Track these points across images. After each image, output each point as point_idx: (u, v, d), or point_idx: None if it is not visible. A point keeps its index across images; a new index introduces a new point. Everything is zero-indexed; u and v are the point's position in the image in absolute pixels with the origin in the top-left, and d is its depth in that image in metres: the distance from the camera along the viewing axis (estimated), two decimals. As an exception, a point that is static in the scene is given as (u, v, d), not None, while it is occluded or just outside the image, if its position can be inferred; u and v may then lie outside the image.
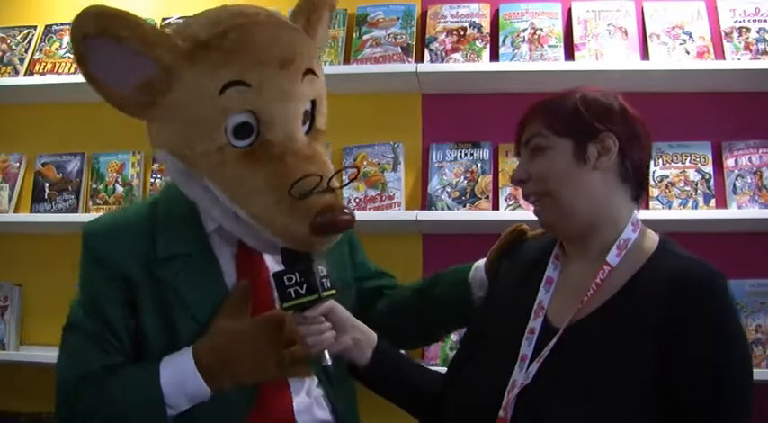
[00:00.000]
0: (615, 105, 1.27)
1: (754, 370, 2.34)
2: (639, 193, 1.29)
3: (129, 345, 1.34)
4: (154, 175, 2.65)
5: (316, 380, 1.41)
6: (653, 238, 1.27)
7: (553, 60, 2.46)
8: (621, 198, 1.26)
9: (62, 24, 2.78)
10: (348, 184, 1.36)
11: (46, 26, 2.79)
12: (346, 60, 2.59)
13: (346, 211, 1.27)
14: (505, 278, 1.40)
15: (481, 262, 1.52)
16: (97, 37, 1.23)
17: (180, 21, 2.65)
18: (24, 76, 2.70)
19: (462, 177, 2.49)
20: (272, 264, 1.42)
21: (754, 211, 2.35)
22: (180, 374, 1.28)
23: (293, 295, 1.27)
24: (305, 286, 1.27)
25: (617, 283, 1.21)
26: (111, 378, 1.29)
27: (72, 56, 1.28)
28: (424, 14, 2.63)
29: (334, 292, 1.31)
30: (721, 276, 1.17)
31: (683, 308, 1.13)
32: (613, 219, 1.25)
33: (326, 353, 1.29)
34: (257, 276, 1.40)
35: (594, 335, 1.18)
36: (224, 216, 1.33)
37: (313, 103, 1.36)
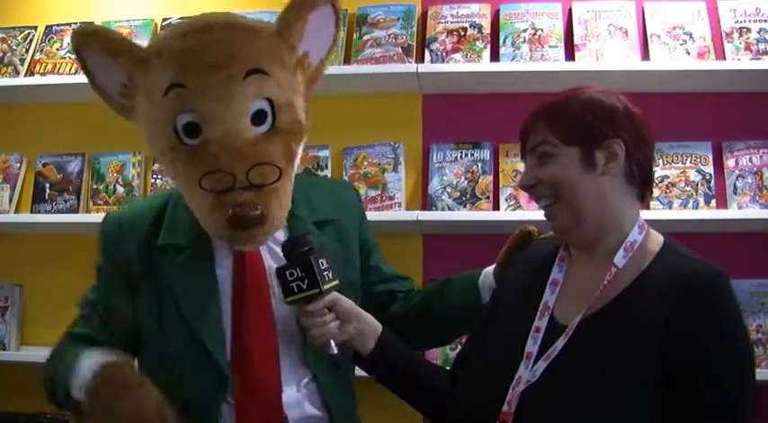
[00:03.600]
0: (620, 107, 1.27)
1: (756, 370, 2.35)
2: (645, 193, 1.30)
3: (125, 325, 1.44)
4: (154, 176, 2.65)
5: (310, 375, 1.42)
6: (657, 239, 1.28)
7: (553, 60, 2.46)
8: (628, 199, 1.27)
9: (62, 24, 2.78)
10: (275, 181, 1.38)
11: (46, 26, 2.79)
12: (347, 61, 2.59)
13: (258, 209, 1.33)
14: (512, 279, 1.41)
15: (491, 268, 1.55)
16: (84, 52, 1.43)
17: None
18: (25, 76, 2.69)
19: (463, 178, 2.49)
20: (270, 260, 1.44)
21: (754, 212, 2.35)
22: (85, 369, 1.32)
23: (296, 290, 1.31)
24: (306, 281, 1.30)
25: (622, 282, 1.22)
26: (71, 347, 1.43)
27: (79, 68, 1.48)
28: (424, 15, 2.63)
29: (336, 283, 1.35)
30: (726, 276, 1.18)
31: (689, 308, 1.14)
32: (620, 221, 1.26)
33: (332, 342, 1.33)
34: (253, 272, 1.43)
35: (600, 333, 1.19)
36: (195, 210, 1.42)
37: (270, 102, 1.40)
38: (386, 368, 1.40)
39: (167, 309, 1.40)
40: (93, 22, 2.76)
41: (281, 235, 1.46)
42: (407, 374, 1.41)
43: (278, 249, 1.41)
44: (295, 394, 1.41)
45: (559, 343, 1.20)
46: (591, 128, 1.24)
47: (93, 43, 1.42)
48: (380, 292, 1.62)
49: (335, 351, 1.33)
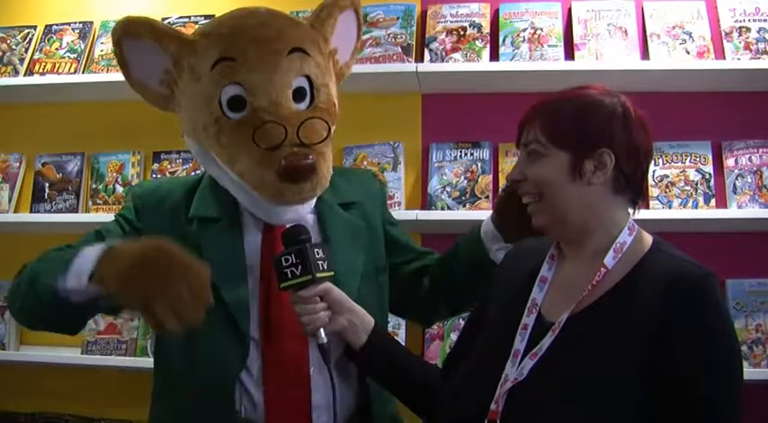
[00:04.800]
0: (618, 112, 1.25)
1: (755, 370, 2.35)
2: (638, 199, 1.29)
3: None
4: (154, 175, 2.64)
5: (335, 358, 1.41)
6: (647, 240, 1.27)
7: (553, 60, 2.46)
8: (616, 206, 1.26)
9: (62, 24, 2.78)
10: (323, 141, 1.42)
11: (46, 26, 2.79)
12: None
13: (310, 158, 1.39)
14: (503, 277, 1.41)
15: (488, 218, 1.57)
16: (122, 40, 1.47)
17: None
18: (24, 76, 2.69)
19: (462, 177, 2.49)
20: None
21: (754, 211, 2.35)
22: (91, 252, 1.26)
23: (289, 276, 1.34)
24: (300, 267, 1.33)
25: (610, 281, 1.22)
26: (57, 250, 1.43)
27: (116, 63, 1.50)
28: (423, 14, 2.63)
29: (331, 273, 1.37)
30: (714, 276, 1.19)
31: (678, 307, 1.14)
32: (608, 224, 1.26)
33: (321, 331, 1.35)
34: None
35: (587, 331, 1.19)
36: (233, 186, 1.47)
37: (310, 80, 1.48)
38: (378, 363, 1.41)
39: None
40: (92, 22, 2.77)
41: (310, 218, 1.51)
42: (399, 370, 1.42)
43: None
44: (318, 377, 1.41)
45: (546, 340, 1.20)
46: (584, 136, 1.23)
47: (140, 29, 1.47)
48: (414, 270, 1.65)
49: (325, 340, 1.35)
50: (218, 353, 1.39)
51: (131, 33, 1.47)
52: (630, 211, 1.29)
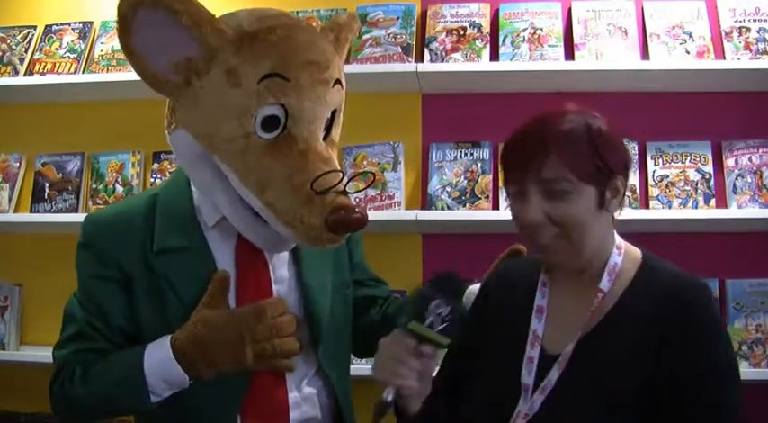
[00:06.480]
0: (619, 140, 1.25)
1: (755, 370, 2.35)
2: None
3: (120, 331, 1.39)
4: (154, 175, 2.64)
5: (307, 377, 1.42)
6: (634, 256, 1.27)
7: (553, 60, 2.46)
8: (609, 226, 1.26)
9: (62, 24, 2.77)
10: (367, 187, 1.39)
11: (46, 26, 2.79)
12: (346, 60, 2.56)
13: (359, 211, 1.30)
14: (493, 307, 1.36)
15: (476, 287, 1.49)
16: (150, 7, 1.25)
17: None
18: (24, 76, 2.69)
19: (462, 177, 2.49)
20: (271, 257, 1.44)
21: (754, 211, 2.35)
22: (159, 361, 1.32)
23: (426, 323, 1.17)
24: (444, 325, 1.17)
25: (606, 304, 1.22)
26: (99, 363, 1.35)
27: (116, 25, 1.29)
28: (423, 14, 2.63)
29: (448, 343, 1.22)
30: (708, 287, 1.21)
31: (677, 322, 1.15)
32: (605, 247, 1.25)
33: (393, 390, 1.19)
34: (257, 270, 1.42)
35: (591, 360, 1.19)
36: (231, 205, 1.35)
37: (333, 113, 1.40)
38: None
39: (172, 307, 1.37)
40: (92, 22, 2.77)
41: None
42: None
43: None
44: (296, 395, 1.41)
45: (553, 374, 1.20)
46: (604, 168, 1.20)
47: (175, 4, 1.26)
48: (362, 297, 1.61)
49: (390, 399, 1.19)
50: (214, 386, 1.36)
51: (163, 4, 1.26)
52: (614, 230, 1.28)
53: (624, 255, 1.25)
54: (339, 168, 1.35)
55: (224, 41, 1.30)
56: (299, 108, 1.31)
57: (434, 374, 1.27)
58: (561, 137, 1.20)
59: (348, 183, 1.32)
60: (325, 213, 1.26)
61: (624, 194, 1.25)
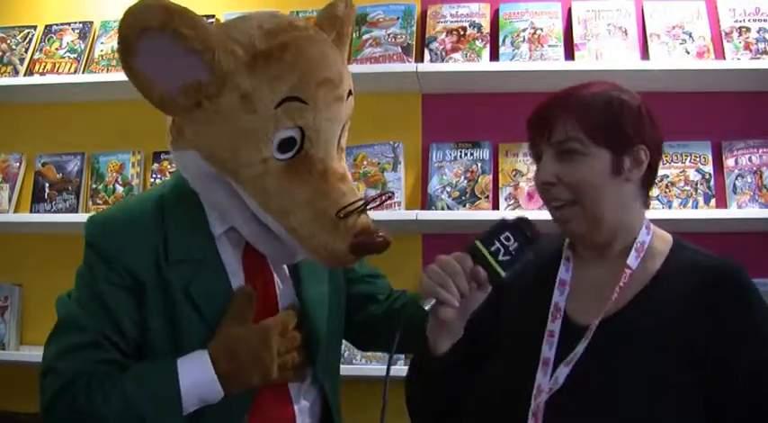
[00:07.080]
0: (643, 112, 1.25)
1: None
2: (648, 195, 1.30)
3: (134, 341, 1.32)
4: (154, 175, 2.65)
5: (303, 388, 1.41)
6: (665, 238, 1.28)
7: (553, 60, 2.46)
8: (638, 203, 1.27)
9: (62, 24, 2.78)
10: (382, 203, 1.38)
11: (46, 26, 2.79)
12: (346, 60, 2.58)
13: (381, 234, 1.30)
14: (515, 283, 1.35)
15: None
16: (158, 31, 1.19)
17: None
18: (24, 76, 2.69)
19: (462, 177, 2.49)
20: (277, 267, 1.43)
21: (754, 211, 2.35)
22: (198, 378, 1.27)
23: (492, 250, 1.19)
24: (506, 256, 1.18)
25: (637, 283, 1.22)
26: (122, 378, 1.27)
27: (118, 46, 1.23)
28: (423, 14, 2.63)
29: (504, 275, 1.20)
30: (744, 267, 1.23)
31: (722, 302, 1.16)
32: (632, 224, 1.26)
33: (434, 300, 1.16)
34: (263, 278, 1.41)
35: (622, 334, 1.18)
36: (246, 224, 1.34)
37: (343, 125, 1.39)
38: (446, 372, 1.26)
39: (189, 322, 1.32)
40: (92, 22, 2.77)
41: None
42: (453, 386, 1.28)
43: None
44: (297, 408, 1.40)
45: (580, 347, 1.17)
46: (623, 132, 1.21)
47: (184, 28, 1.19)
48: (361, 294, 1.59)
49: (428, 307, 1.16)
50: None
51: (171, 29, 1.18)
52: (644, 209, 1.29)
53: (653, 234, 1.26)
54: (354, 188, 1.34)
55: (237, 64, 1.25)
56: (315, 129, 1.28)
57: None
58: (576, 101, 1.23)
59: (368, 203, 1.31)
60: (349, 238, 1.26)
61: (654, 169, 1.25)
